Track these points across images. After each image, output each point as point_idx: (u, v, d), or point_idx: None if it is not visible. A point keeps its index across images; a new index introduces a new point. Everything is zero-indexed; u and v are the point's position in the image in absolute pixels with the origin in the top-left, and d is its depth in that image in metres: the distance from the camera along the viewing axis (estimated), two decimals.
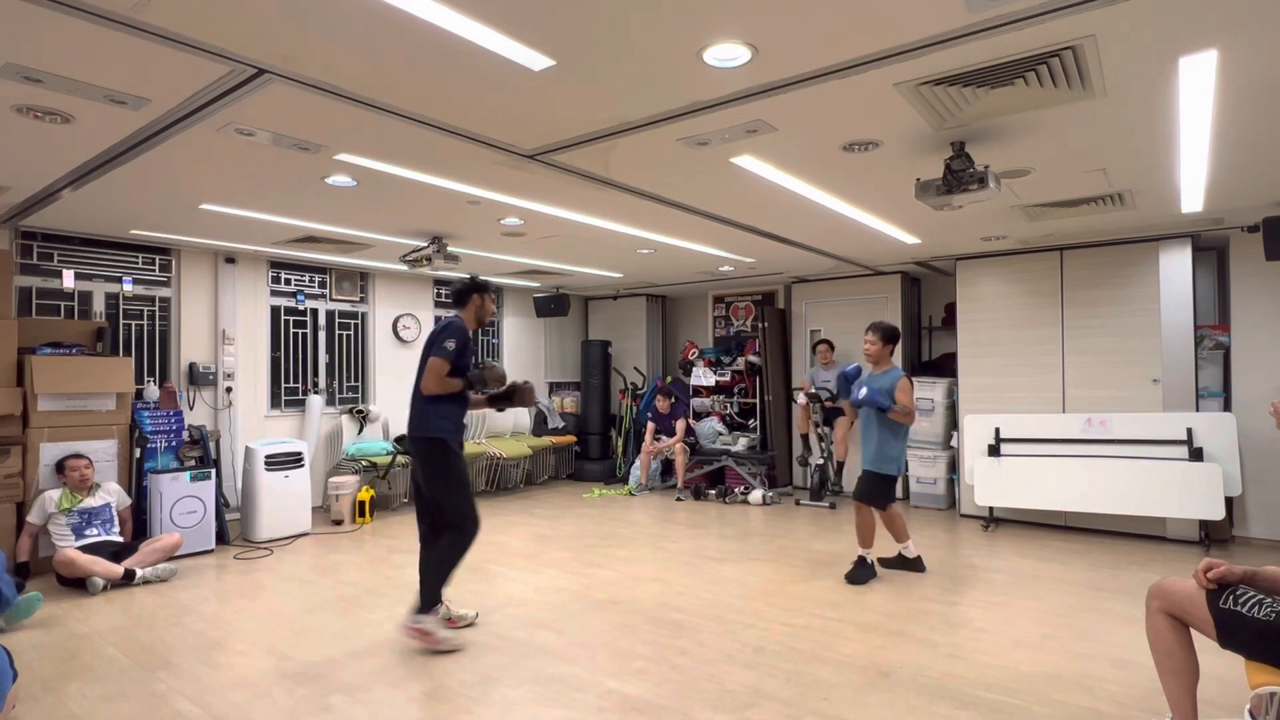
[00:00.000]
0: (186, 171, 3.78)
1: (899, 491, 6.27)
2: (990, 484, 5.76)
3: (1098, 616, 3.74)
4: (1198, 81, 2.67)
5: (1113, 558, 4.94)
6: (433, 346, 3.49)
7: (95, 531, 4.53)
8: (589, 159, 3.56)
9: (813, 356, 7.56)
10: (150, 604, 4.02)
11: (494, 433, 7.96)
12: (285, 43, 2.33)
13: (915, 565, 4.56)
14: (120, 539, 4.65)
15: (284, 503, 5.61)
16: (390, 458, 6.57)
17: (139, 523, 5.02)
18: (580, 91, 2.73)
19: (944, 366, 7.20)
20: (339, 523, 6.07)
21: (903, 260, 6.69)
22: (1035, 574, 4.54)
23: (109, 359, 5.10)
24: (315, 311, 6.95)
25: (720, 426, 8.09)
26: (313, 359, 6.95)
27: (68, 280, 5.44)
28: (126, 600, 4.09)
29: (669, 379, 8.75)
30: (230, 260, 6.23)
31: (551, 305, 8.35)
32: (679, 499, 7.35)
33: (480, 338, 8.49)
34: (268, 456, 5.57)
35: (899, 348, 6.68)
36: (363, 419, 6.97)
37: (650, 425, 7.92)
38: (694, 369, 8.40)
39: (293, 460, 5.71)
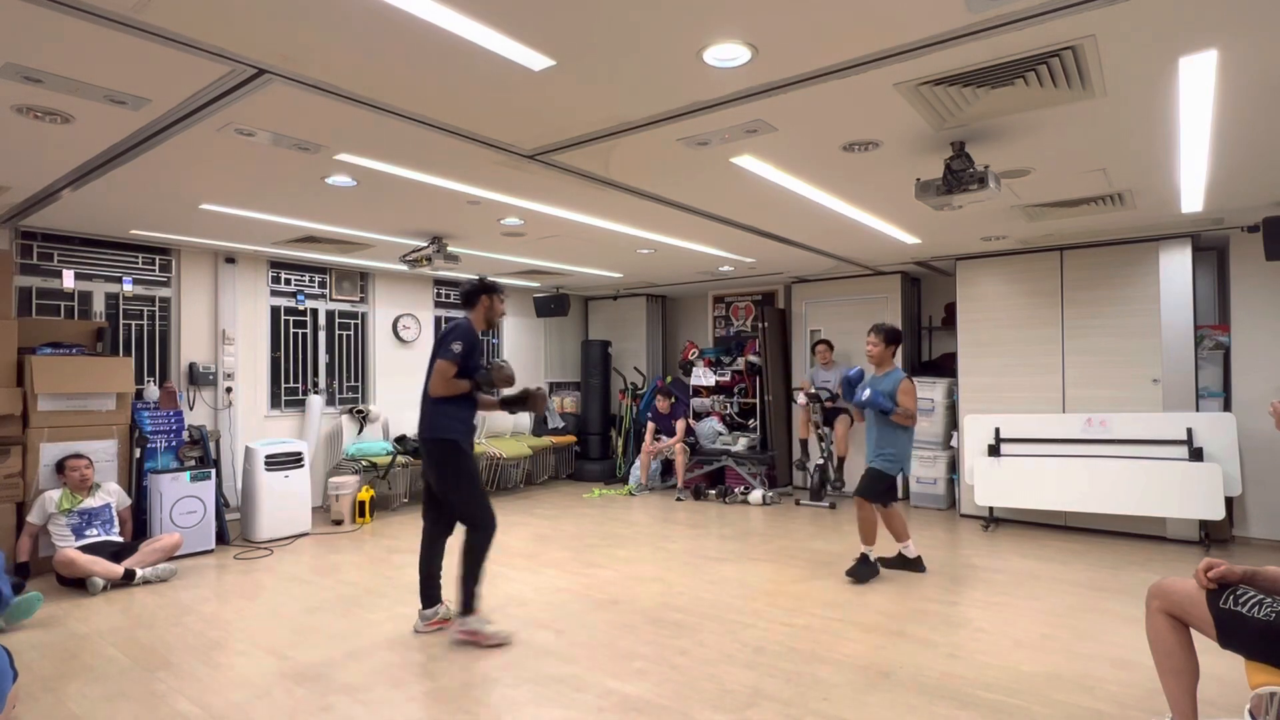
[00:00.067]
0: (186, 171, 3.78)
1: (899, 491, 6.26)
2: (990, 484, 5.76)
3: (1098, 616, 3.74)
4: (1198, 81, 2.66)
5: (1113, 558, 4.94)
6: (440, 349, 3.52)
7: (95, 532, 4.53)
8: (589, 159, 3.56)
9: (812, 357, 7.56)
10: (150, 604, 4.02)
11: (494, 433, 7.96)
12: (285, 43, 2.33)
13: (915, 565, 4.56)
14: (120, 539, 4.64)
15: (284, 503, 5.61)
16: (390, 458, 6.57)
17: (139, 523, 5.02)
18: (580, 91, 2.73)
19: (944, 366, 7.20)
20: (339, 523, 6.07)
21: (903, 260, 6.69)
22: (1035, 574, 4.54)
23: (109, 359, 5.10)
24: (315, 311, 6.94)
25: (720, 426, 8.09)
26: (313, 359, 6.95)
27: (68, 280, 5.44)
28: (126, 600, 4.09)
29: (669, 379, 8.75)
30: (230, 260, 6.23)
31: (551, 305, 8.35)
32: (679, 499, 7.35)
33: (480, 337, 8.47)
34: (268, 456, 5.57)
35: (900, 349, 6.68)
36: (363, 419, 6.96)
37: (650, 425, 7.92)
38: (694, 369, 8.39)
39: (293, 460, 5.71)
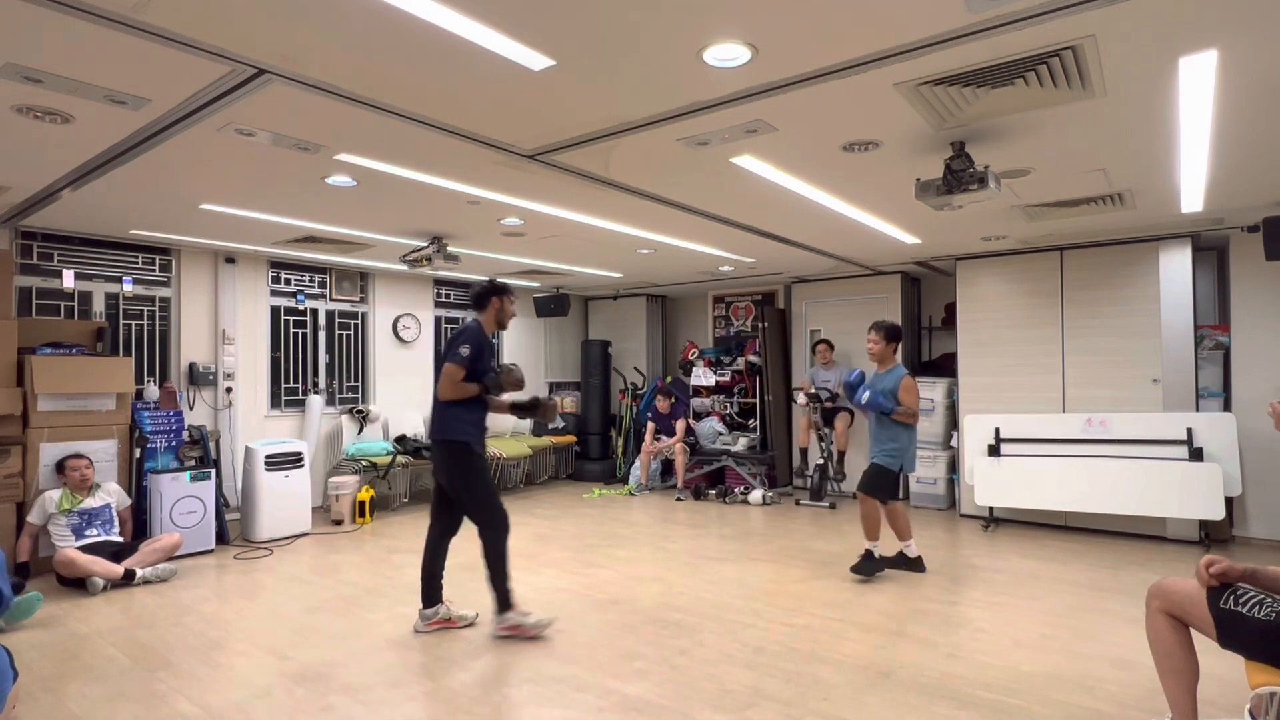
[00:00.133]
0: (186, 171, 3.78)
1: (900, 490, 6.26)
2: (990, 484, 5.76)
3: (1098, 616, 3.74)
4: (1198, 81, 2.66)
5: (1113, 558, 4.94)
6: (448, 352, 3.54)
7: (95, 532, 4.53)
8: (589, 159, 3.56)
9: (812, 356, 7.56)
10: (150, 604, 4.02)
11: (494, 433, 7.94)
12: (285, 43, 2.33)
13: (915, 565, 4.56)
14: (120, 539, 4.64)
15: (284, 503, 5.61)
16: (390, 458, 6.57)
17: (139, 523, 5.02)
18: (580, 91, 2.73)
19: (944, 366, 7.20)
20: (339, 523, 6.07)
21: (903, 260, 6.69)
22: (1035, 574, 4.54)
23: (109, 359, 5.10)
24: (315, 311, 6.94)
25: (720, 426, 8.09)
26: (313, 359, 6.95)
27: (68, 280, 5.44)
28: (126, 600, 4.09)
29: (669, 379, 8.75)
30: (230, 260, 6.23)
31: (551, 305, 8.35)
32: (679, 499, 7.35)
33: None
34: (268, 456, 5.57)
35: (901, 347, 6.68)
36: (363, 419, 6.97)
37: (650, 425, 7.92)
38: (694, 369, 8.39)
39: (293, 460, 5.71)
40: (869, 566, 4.39)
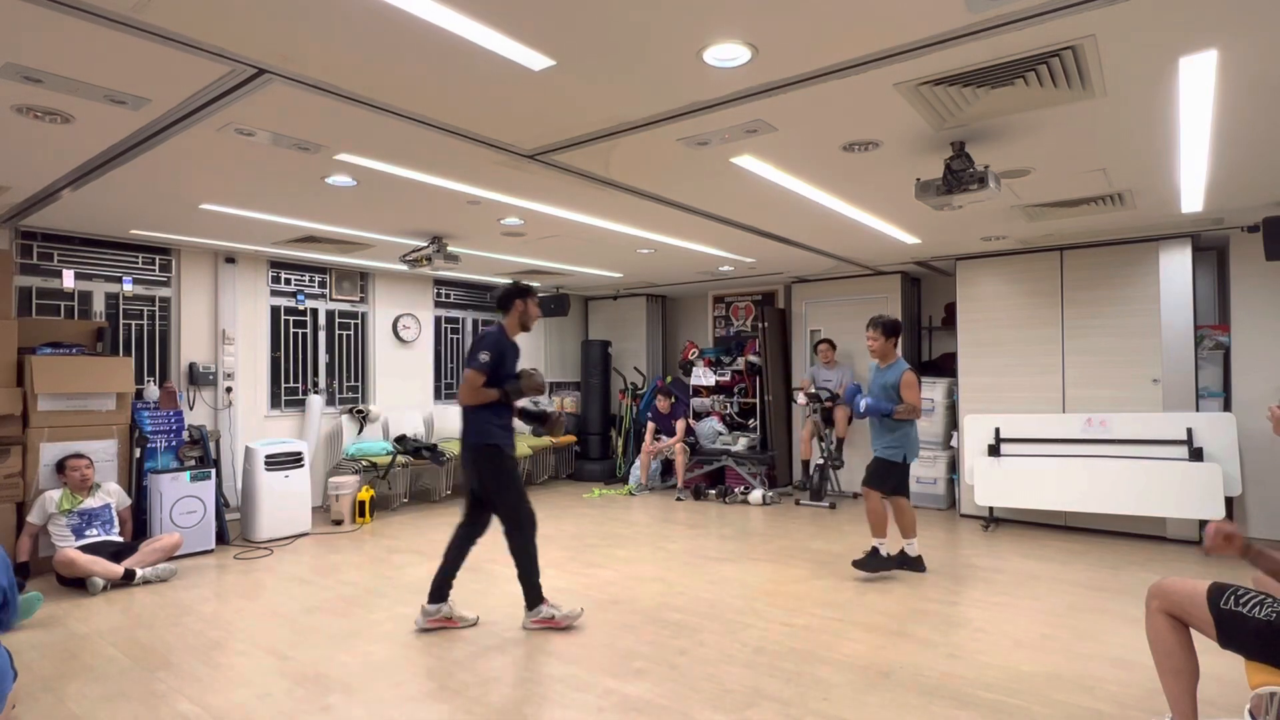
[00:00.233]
0: (186, 171, 3.78)
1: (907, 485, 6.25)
2: (990, 484, 5.76)
3: (1098, 616, 3.74)
4: (1198, 81, 2.67)
5: (1113, 558, 4.94)
6: (469, 358, 3.59)
7: (95, 532, 4.53)
8: (589, 159, 3.56)
9: (814, 355, 7.56)
10: (150, 604, 4.02)
11: None
12: (285, 43, 2.33)
13: (915, 565, 4.55)
14: (120, 539, 4.64)
15: (284, 503, 5.61)
16: (390, 458, 6.57)
17: (139, 523, 5.02)
18: (580, 91, 2.73)
19: (944, 366, 7.20)
20: (339, 523, 6.07)
21: (903, 260, 6.68)
22: (1035, 574, 4.54)
23: (109, 359, 5.10)
24: (315, 311, 6.94)
25: (720, 426, 8.09)
26: (313, 359, 6.95)
27: (68, 280, 5.44)
28: (126, 600, 4.09)
29: (669, 379, 8.75)
30: (230, 260, 6.23)
31: (551, 305, 8.34)
32: (679, 499, 7.35)
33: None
34: (268, 456, 5.57)
35: (901, 342, 6.68)
36: (363, 419, 6.97)
37: (650, 425, 7.92)
38: (694, 369, 8.39)
39: (293, 460, 5.71)
40: (873, 563, 4.39)
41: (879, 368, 4.59)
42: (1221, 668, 2.73)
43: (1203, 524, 5.21)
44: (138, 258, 5.80)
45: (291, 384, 6.79)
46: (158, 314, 5.96)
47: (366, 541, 5.53)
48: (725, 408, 8.38)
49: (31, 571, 4.45)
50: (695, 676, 3.02)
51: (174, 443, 5.34)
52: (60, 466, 4.62)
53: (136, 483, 5.10)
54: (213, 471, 5.26)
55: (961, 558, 4.97)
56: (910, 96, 2.79)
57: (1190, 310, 5.41)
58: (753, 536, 5.68)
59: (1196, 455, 5.12)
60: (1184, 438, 5.20)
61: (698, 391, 8.44)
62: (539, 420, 3.86)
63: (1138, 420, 5.42)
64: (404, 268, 6.22)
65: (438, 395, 7.99)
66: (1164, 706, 2.41)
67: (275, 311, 6.64)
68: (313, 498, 5.95)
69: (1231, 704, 2.69)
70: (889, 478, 4.44)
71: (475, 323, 8.45)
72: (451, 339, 8.22)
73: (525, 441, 7.94)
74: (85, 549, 4.34)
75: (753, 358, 8.14)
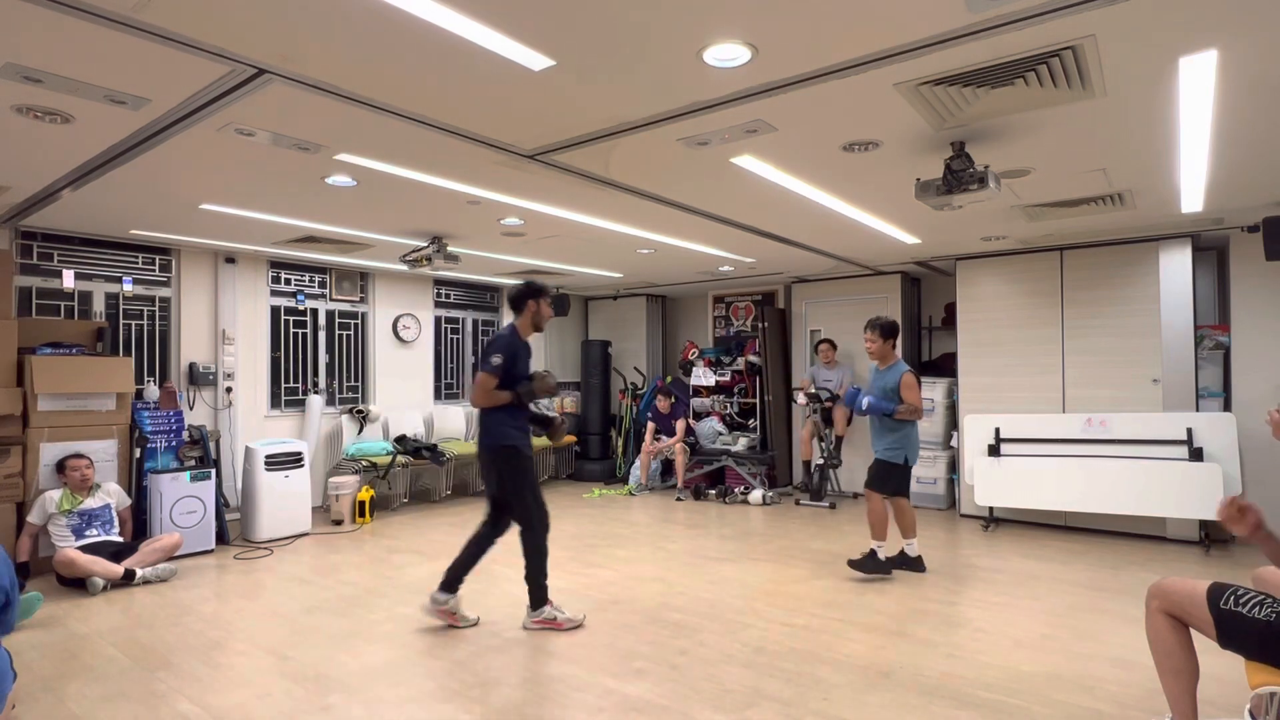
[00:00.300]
0: (186, 171, 3.78)
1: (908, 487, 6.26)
2: (990, 484, 5.76)
3: (1098, 616, 3.74)
4: (1198, 81, 2.66)
5: (1113, 558, 4.94)
6: (481, 361, 3.61)
7: (95, 532, 4.53)
8: (589, 159, 3.56)
9: (814, 355, 7.56)
10: (150, 604, 4.02)
11: None
12: (285, 43, 2.33)
13: (915, 565, 4.55)
14: (120, 539, 4.64)
15: (284, 503, 5.61)
16: (390, 458, 6.57)
17: (139, 523, 5.02)
18: (580, 91, 2.73)
19: (944, 366, 7.20)
20: (339, 523, 6.07)
21: (903, 260, 6.68)
22: (1035, 574, 4.54)
23: (109, 359, 5.10)
24: (315, 311, 6.94)
25: (720, 426, 8.09)
26: (313, 359, 6.95)
27: (68, 280, 5.44)
28: (126, 600, 4.09)
29: (669, 379, 8.74)
30: (230, 260, 6.23)
31: (552, 305, 8.34)
32: (679, 499, 7.35)
33: (480, 339, 8.49)
34: (268, 456, 5.57)
35: (900, 342, 6.68)
36: (363, 419, 6.97)
37: (650, 425, 7.92)
38: (694, 369, 8.39)
39: (293, 460, 5.71)
40: (869, 565, 4.39)
41: (878, 369, 4.60)
42: (1221, 668, 2.72)
43: (1203, 524, 5.22)
44: (138, 258, 5.81)
45: (291, 384, 6.79)
46: (158, 314, 5.96)
47: (366, 541, 5.53)
48: (725, 408, 8.38)
49: (31, 571, 4.45)
50: (695, 676, 3.02)
51: (174, 443, 5.34)
52: (60, 466, 4.62)
53: (136, 483, 5.10)
54: (213, 471, 5.26)
55: (961, 558, 4.97)
56: (910, 96, 2.79)
57: (1190, 310, 5.41)
58: (753, 536, 5.68)
59: (1196, 455, 5.12)
60: (1184, 438, 5.20)
61: (698, 391, 8.44)
62: (542, 424, 3.87)
63: (1138, 420, 5.42)
64: (404, 268, 6.22)
65: (438, 395, 7.99)
66: (1164, 706, 2.41)
67: (275, 311, 6.64)
68: (313, 498, 5.95)
69: (1231, 704, 2.69)
70: (889, 480, 4.44)
71: (475, 323, 8.45)
72: (451, 339, 8.22)
73: None
74: (85, 549, 4.34)
75: (753, 358, 8.14)
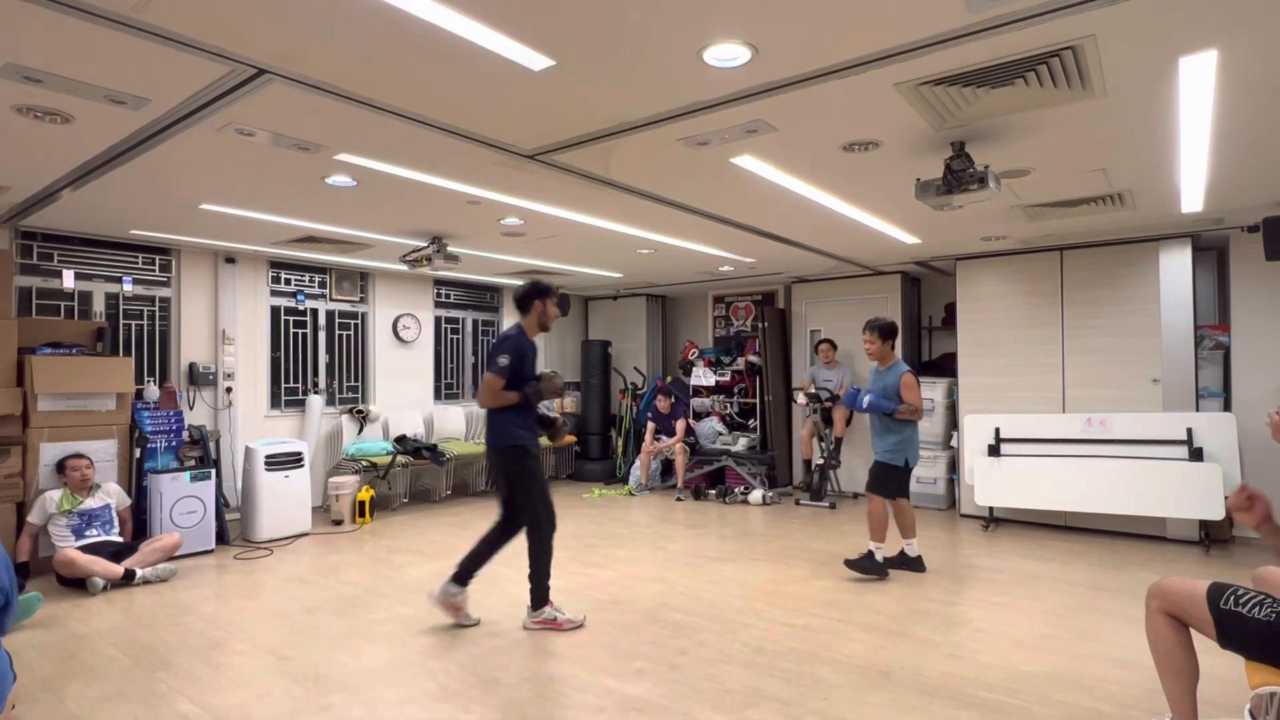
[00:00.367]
0: (186, 171, 3.78)
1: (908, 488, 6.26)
2: (990, 484, 5.76)
3: (1098, 616, 3.74)
4: (1198, 81, 2.66)
5: (1113, 558, 4.94)
6: (489, 361, 3.60)
7: (95, 532, 4.53)
8: (589, 159, 3.56)
9: (814, 356, 7.56)
10: (150, 604, 4.02)
11: None
12: (285, 43, 2.33)
13: (915, 565, 4.55)
14: (120, 539, 4.64)
15: (284, 503, 5.60)
16: (390, 458, 6.57)
17: (139, 523, 5.02)
18: (580, 91, 2.73)
19: (944, 366, 7.20)
20: (339, 523, 6.07)
21: (903, 260, 6.68)
22: (1035, 574, 4.54)
23: (109, 359, 5.10)
24: (315, 311, 6.94)
25: (720, 426, 8.09)
26: (313, 359, 6.95)
27: (68, 280, 5.44)
28: (126, 600, 4.09)
29: (669, 379, 8.74)
30: (230, 260, 6.23)
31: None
32: (679, 499, 7.35)
33: (480, 339, 8.50)
34: (268, 456, 5.57)
35: (899, 343, 6.67)
36: (363, 419, 6.97)
37: (650, 425, 7.92)
38: (694, 369, 8.39)
39: (293, 460, 5.71)
40: (866, 565, 4.38)
41: (878, 370, 4.60)
42: (1221, 668, 2.72)
43: (1203, 524, 5.21)
44: (138, 258, 5.81)
45: (291, 384, 6.79)
46: (158, 314, 5.96)
47: (366, 541, 5.53)
48: (725, 408, 8.38)
49: (31, 571, 4.45)
50: (695, 676, 3.02)
51: (174, 443, 5.34)
52: (60, 466, 4.62)
53: (136, 483, 5.10)
54: (213, 471, 5.26)
55: (961, 558, 4.97)
56: (910, 96, 2.79)
57: (1190, 310, 5.41)
58: (753, 536, 5.68)
59: (1196, 455, 5.12)
60: (1184, 438, 5.20)
61: (698, 391, 8.44)
62: (544, 425, 3.87)
63: (1138, 420, 5.42)
64: (404, 268, 6.22)
65: (437, 395, 7.99)
66: (1164, 706, 2.41)
67: (275, 311, 6.64)
68: (313, 498, 5.95)
69: (1231, 704, 2.69)
70: (889, 482, 4.44)
71: (475, 323, 8.46)
72: (451, 339, 8.22)
73: None
74: (85, 549, 4.34)
75: (753, 358, 8.13)
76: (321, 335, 6.99)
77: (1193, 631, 2.22)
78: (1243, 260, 5.39)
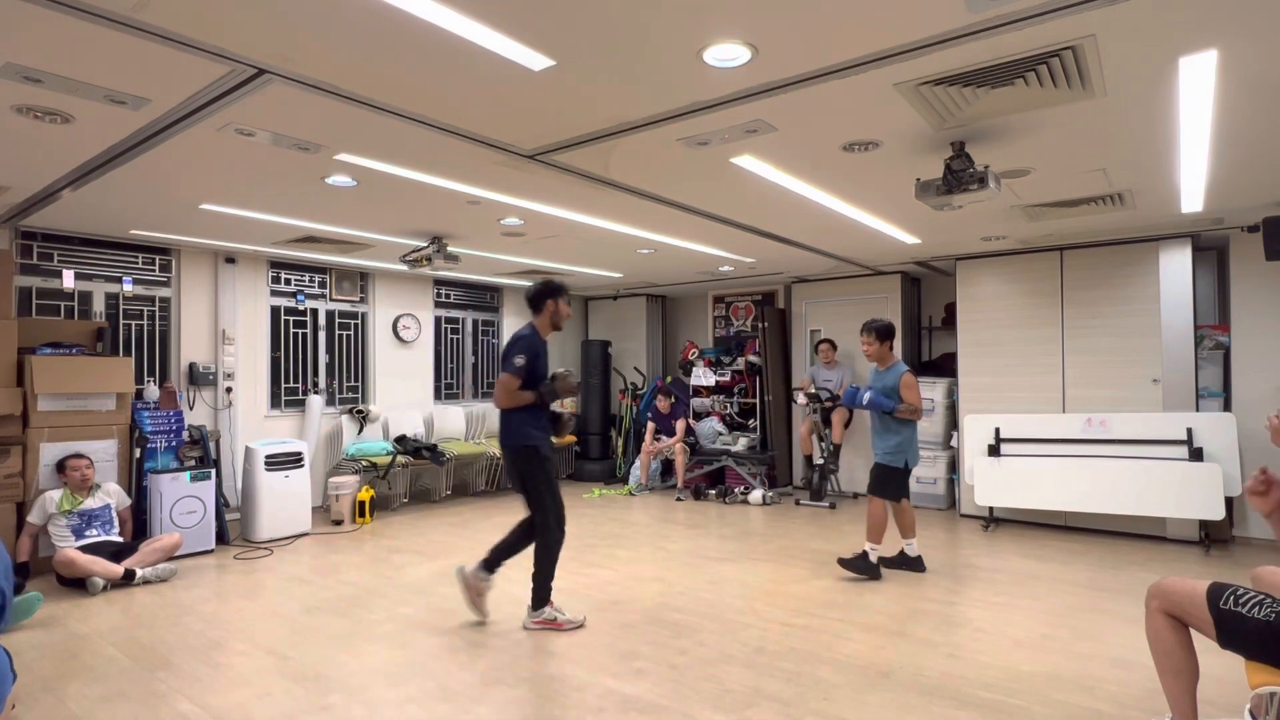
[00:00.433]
0: (187, 171, 3.78)
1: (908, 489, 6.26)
2: (990, 484, 5.76)
3: (1098, 616, 3.74)
4: (1198, 81, 2.67)
5: (1113, 558, 4.94)
6: (503, 361, 3.60)
7: (95, 532, 4.53)
8: (589, 159, 3.56)
9: (814, 356, 7.56)
10: (150, 604, 4.02)
11: (493, 433, 7.95)
12: (285, 43, 2.33)
13: (915, 565, 4.55)
14: (120, 539, 4.64)
15: (284, 503, 5.60)
16: (390, 458, 6.57)
17: (139, 523, 5.02)
18: (580, 91, 2.73)
19: (944, 366, 7.20)
20: (339, 523, 6.07)
21: (903, 260, 6.68)
22: (1035, 574, 4.54)
23: (109, 359, 5.10)
24: (315, 311, 6.94)
25: (720, 426, 8.09)
26: (313, 359, 6.95)
27: (68, 280, 5.44)
28: (126, 600, 4.09)
29: (669, 379, 8.74)
30: (230, 260, 6.23)
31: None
32: (679, 499, 7.35)
33: (480, 339, 8.49)
34: (268, 456, 5.57)
35: (899, 343, 6.67)
36: (363, 419, 6.97)
37: (650, 425, 7.92)
38: (694, 369, 8.39)
39: (293, 460, 5.71)
40: (860, 565, 4.37)
41: (878, 370, 4.60)
42: (1221, 668, 2.73)
43: (1203, 524, 5.21)
44: (138, 258, 5.81)
45: (291, 384, 6.79)
46: (158, 314, 5.96)
47: (366, 541, 5.53)
48: (725, 408, 8.38)
49: (31, 571, 4.45)
50: (695, 676, 3.02)
51: (174, 443, 5.34)
52: (60, 466, 4.62)
53: (136, 483, 5.10)
54: (213, 471, 5.26)
55: (961, 558, 4.97)
56: (910, 96, 2.79)
57: (1190, 310, 5.41)
58: (753, 536, 5.68)
59: (1196, 455, 5.12)
60: (1184, 438, 5.20)
61: (698, 391, 8.44)
62: (551, 422, 3.87)
63: (1138, 420, 5.42)
64: (404, 268, 6.22)
65: (438, 395, 7.99)
66: (1164, 706, 2.41)
67: (275, 311, 6.64)
68: (313, 498, 5.95)
69: (1231, 704, 2.69)
70: (889, 484, 4.44)
71: (475, 323, 8.46)
72: (451, 339, 8.22)
73: None
74: (85, 549, 4.34)
75: (753, 358, 8.13)
76: (321, 335, 6.99)
77: (1193, 631, 2.22)
78: (1243, 260, 5.39)
